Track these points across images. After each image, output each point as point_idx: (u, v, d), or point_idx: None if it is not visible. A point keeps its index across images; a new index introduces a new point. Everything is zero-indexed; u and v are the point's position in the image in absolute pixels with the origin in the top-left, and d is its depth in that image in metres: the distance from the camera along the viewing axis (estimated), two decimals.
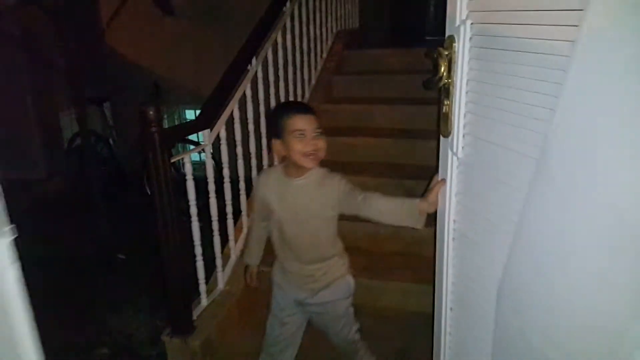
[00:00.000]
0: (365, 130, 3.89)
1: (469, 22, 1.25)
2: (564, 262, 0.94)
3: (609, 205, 0.82)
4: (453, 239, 1.47)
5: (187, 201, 2.51)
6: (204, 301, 2.66)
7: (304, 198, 1.81)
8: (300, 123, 1.71)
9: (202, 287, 2.66)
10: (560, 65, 0.91)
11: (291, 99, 3.73)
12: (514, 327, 1.13)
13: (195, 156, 4.51)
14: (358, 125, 3.98)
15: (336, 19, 4.78)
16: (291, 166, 1.81)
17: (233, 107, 2.90)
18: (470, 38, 1.26)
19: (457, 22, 1.27)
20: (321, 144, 1.74)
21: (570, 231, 0.92)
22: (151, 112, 2.13)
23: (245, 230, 3.10)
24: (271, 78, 3.46)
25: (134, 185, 5.28)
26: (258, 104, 3.24)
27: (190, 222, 2.53)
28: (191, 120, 3.92)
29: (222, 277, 2.82)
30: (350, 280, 1.96)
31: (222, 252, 2.82)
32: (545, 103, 0.98)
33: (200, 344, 2.45)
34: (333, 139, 2.54)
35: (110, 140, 6.08)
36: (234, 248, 2.98)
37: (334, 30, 4.74)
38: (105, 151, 6.03)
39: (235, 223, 3.00)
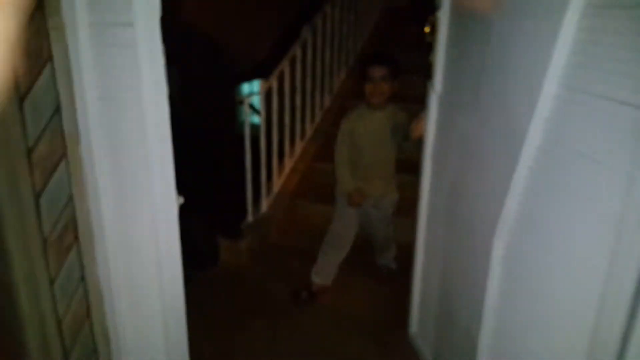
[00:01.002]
0: None
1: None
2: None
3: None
4: (431, 154, 2.03)
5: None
6: (250, 217, 3.31)
7: (379, 125, 2.45)
8: (372, 71, 2.36)
9: (249, 207, 3.29)
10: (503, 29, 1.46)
11: (335, 65, 4.29)
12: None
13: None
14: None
15: None
16: (370, 102, 2.44)
17: (285, 65, 3.49)
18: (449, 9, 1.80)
19: None
20: (384, 87, 2.37)
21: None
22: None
23: (287, 170, 3.72)
24: (319, 44, 4.01)
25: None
26: (305, 66, 3.81)
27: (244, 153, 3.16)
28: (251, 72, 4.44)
29: (265, 202, 3.45)
30: (396, 195, 2.67)
31: (267, 183, 3.45)
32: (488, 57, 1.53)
33: (245, 246, 3.12)
34: None
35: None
36: (277, 181, 3.60)
37: (380, 6, 5.23)
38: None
39: (280, 162, 3.62)
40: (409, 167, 2.49)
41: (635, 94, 1.03)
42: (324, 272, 2.69)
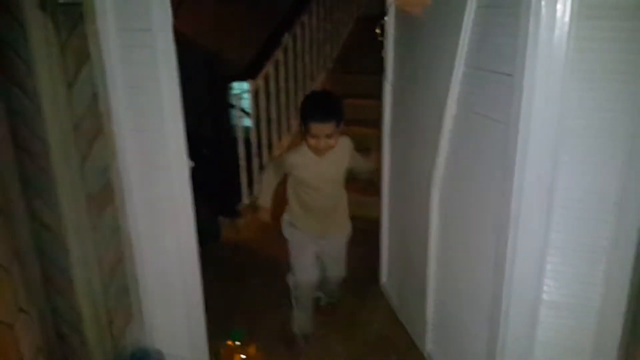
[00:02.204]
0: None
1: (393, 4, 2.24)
2: None
3: None
4: (389, 134, 2.48)
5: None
6: (245, 200, 3.73)
7: (326, 167, 2.17)
8: (315, 130, 2.03)
9: (244, 191, 3.72)
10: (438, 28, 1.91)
11: (314, 68, 4.74)
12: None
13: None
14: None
15: (357, 7, 5.69)
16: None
17: (269, 67, 3.93)
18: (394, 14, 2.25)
19: (388, 3, 2.26)
20: (332, 142, 2.07)
21: None
22: None
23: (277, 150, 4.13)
24: (299, 50, 4.45)
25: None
26: (287, 68, 4.25)
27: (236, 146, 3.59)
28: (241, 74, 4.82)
29: (258, 187, 3.87)
30: (349, 229, 2.44)
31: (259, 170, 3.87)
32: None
33: (242, 224, 3.54)
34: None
35: None
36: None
37: (355, 16, 5.67)
38: None
39: (269, 152, 4.04)
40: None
41: (510, 66, 1.45)
42: (302, 325, 2.45)
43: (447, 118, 1.82)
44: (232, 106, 4.03)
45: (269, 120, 4.00)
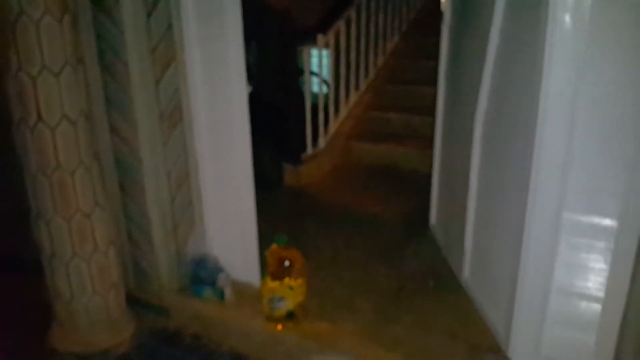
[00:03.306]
0: None
1: None
2: None
3: None
4: (444, 72, 2.53)
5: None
6: (309, 149, 3.92)
7: None
8: None
9: (309, 142, 3.91)
10: None
11: (388, 29, 4.78)
12: None
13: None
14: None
15: None
16: None
17: (340, 24, 4.04)
18: None
19: None
20: None
21: None
22: None
23: (342, 115, 4.27)
24: (372, 9, 4.51)
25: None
26: (359, 27, 4.33)
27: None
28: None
29: (322, 140, 4.04)
30: None
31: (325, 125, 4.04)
32: None
33: (304, 172, 3.74)
34: None
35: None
36: (333, 124, 4.18)
37: None
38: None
39: (336, 109, 4.19)
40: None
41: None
42: None
43: (490, 49, 1.87)
44: (300, 65, 4.23)
45: (336, 77, 4.14)
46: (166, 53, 2.12)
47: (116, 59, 2.02)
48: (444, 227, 2.69)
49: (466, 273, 2.27)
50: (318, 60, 4.06)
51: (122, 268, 2.25)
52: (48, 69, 1.75)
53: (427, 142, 3.12)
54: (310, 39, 4.00)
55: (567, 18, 1.43)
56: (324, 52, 4.10)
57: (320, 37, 3.83)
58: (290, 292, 2.06)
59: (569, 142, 1.53)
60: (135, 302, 2.34)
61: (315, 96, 3.99)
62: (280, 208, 3.36)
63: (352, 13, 4.20)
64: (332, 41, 3.97)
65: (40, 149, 1.83)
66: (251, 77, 5.59)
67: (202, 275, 2.30)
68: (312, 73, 4.33)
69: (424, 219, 2.97)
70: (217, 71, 2.18)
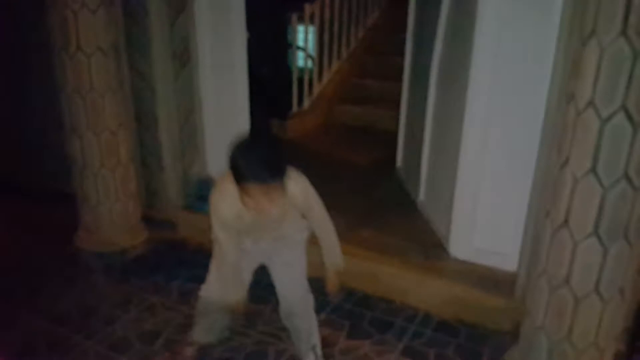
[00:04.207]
0: None
1: None
2: None
3: None
4: (410, 39, 2.98)
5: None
6: (295, 109, 4.36)
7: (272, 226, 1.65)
8: (254, 192, 1.38)
9: (295, 102, 4.35)
10: None
11: (369, 4, 5.19)
12: None
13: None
14: None
15: None
16: None
17: None
18: None
19: None
20: (277, 204, 1.43)
21: None
22: None
23: (325, 80, 4.71)
24: None
25: None
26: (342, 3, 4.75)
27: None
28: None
29: (307, 100, 4.48)
30: (305, 233, 1.78)
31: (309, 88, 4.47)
32: None
33: (289, 126, 4.18)
34: None
35: None
36: (316, 87, 4.61)
37: None
38: None
39: (320, 75, 4.63)
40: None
41: None
42: (205, 326, 1.86)
43: (441, 17, 2.32)
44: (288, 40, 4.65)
45: (320, 45, 4.57)
46: (179, 2, 2.52)
47: (137, 3, 2.42)
48: (406, 166, 3.16)
49: (421, 196, 2.74)
50: (304, 36, 4.48)
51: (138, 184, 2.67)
52: (87, 6, 2.14)
53: (399, 105, 3.57)
54: (298, 10, 4.42)
55: None
56: (310, 29, 4.53)
57: (307, 7, 4.24)
58: None
59: (491, 84, 1.98)
60: (146, 218, 2.76)
61: (302, 69, 4.45)
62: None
63: None
64: (317, 13, 4.38)
65: (77, 73, 2.23)
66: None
67: (204, 193, 2.73)
68: (298, 48, 4.77)
69: (391, 164, 3.44)
70: (221, 18, 2.59)
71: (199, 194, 2.75)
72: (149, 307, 2.17)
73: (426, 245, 2.39)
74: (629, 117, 1.23)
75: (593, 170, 1.30)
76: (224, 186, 1.49)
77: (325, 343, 1.91)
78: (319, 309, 1.86)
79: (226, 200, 1.49)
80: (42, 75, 2.78)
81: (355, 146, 4.06)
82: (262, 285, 1.83)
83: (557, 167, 1.41)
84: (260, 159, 1.39)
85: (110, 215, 2.48)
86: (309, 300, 1.77)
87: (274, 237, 1.70)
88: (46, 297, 2.25)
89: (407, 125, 3.19)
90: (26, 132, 3.24)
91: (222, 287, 1.67)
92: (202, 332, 1.85)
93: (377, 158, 3.75)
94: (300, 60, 4.72)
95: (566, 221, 1.39)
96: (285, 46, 5.04)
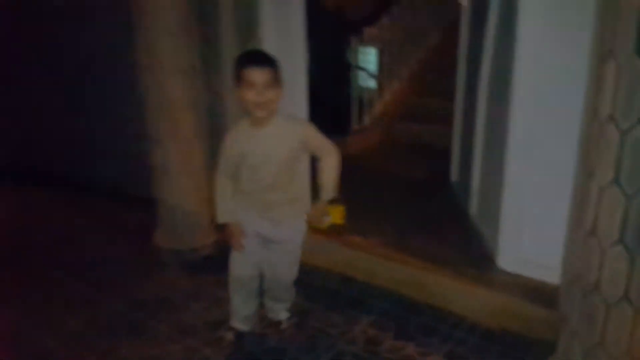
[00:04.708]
0: None
1: None
2: None
3: None
4: (463, 59, 3.10)
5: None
6: (354, 125, 4.55)
7: (270, 144, 1.78)
8: (252, 75, 1.66)
9: (354, 118, 4.54)
10: None
11: (429, 26, 5.33)
12: None
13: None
14: None
15: None
16: (253, 117, 1.76)
17: (385, 20, 4.66)
18: None
19: None
20: (271, 95, 1.69)
21: None
22: None
23: (386, 98, 4.88)
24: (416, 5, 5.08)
25: None
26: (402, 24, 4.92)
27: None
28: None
29: (367, 118, 4.67)
30: (302, 222, 1.96)
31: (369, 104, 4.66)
32: None
33: (350, 141, 4.37)
34: None
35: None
36: (377, 104, 4.79)
37: None
38: None
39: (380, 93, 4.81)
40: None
41: None
42: (240, 316, 2.10)
43: (488, 39, 2.44)
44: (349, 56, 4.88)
45: (380, 65, 4.76)
46: (249, 28, 2.79)
47: (211, 29, 2.71)
48: (459, 180, 3.25)
49: (473, 210, 2.83)
50: (366, 57, 4.70)
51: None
52: (169, 31, 2.45)
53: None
54: (359, 33, 4.64)
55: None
56: (371, 50, 4.74)
57: (367, 31, 4.46)
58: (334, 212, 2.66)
59: (533, 101, 2.08)
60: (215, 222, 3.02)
61: (363, 88, 4.66)
62: None
63: (396, 9, 4.80)
64: (376, 32, 4.58)
65: (159, 90, 2.54)
66: (308, 70, 6.26)
67: None
68: (359, 68, 4.98)
69: (447, 178, 3.54)
70: (284, 43, 2.84)
71: None
72: (216, 300, 2.40)
73: (475, 257, 2.48)
74: None
75: (616, 180, 1.38)
76: (233, 127, 1.87)
77: (372, 342, 2.08)
78: (367, 312, 2.10)
79: (231, 132, 1.86)
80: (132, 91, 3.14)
81: (413, 161, 4.19)
82: (313, 287, 2.00)
83: (584, 179, 1.49)
84: (252, 53, 1.89)
85: (185, 217, 2.76)
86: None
87: (270, 217, 1.90)
88: (127, 285, 2.55)
89: (459, 141, 3.29)
90: (114, 142, 3.65)
91: (217, 201, 1.93)
92: (239, 319, 2.10)
93: (433, 173, 3.86)
94: (362, 79, 4.93)
95: (594, 230, 1.47)
96: (345, 67, 5.29)
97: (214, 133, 2.93)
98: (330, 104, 4.51)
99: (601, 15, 1.63)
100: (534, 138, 2.11)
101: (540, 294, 2.12)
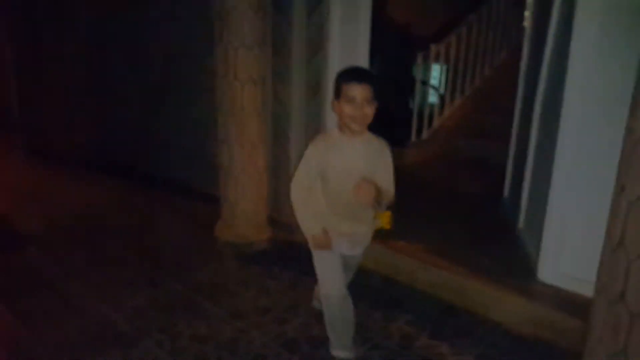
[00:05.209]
0: None
1: None
2: None
3: None
4: (522, 79, 3.14)
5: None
6: (414, 138, 4.65)
7: (359, 156, 1.83)
8: (353, 90, 1.73)
9: (413, 132, 4.64)
10: None
11: (497, 44, 5.33)
12: None
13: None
14: None
15: None
16: (345, 128, 1.82)
17: (452, 38, 4.73)
18: None
19: None
20: (368, 110, 1.76)
21: None
22: None
23: (446, 114, 4.94)
24: (483, 28, 5.13)
25: None
26: (470, 42, 4.97)
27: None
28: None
29: (426, 132, 4.75)
30: (369, 240, 2.06)
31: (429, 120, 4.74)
32: None
33: (408, 152, 4.47)
34: None
35: None
36: (437, 120, 4.86)
37: None
38: None
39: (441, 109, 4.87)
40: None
41: None
42: (341, 344, 2.06)
43: (545, 62, 2.50)
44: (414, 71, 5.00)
45: (445, 81, 4.83)
46: (317, 43, 3.00)
47: (284, 45, 2.95)
48: (511, 196, 3.27)
49: (521, 224, 2.86)
50: (431, 73, 4.80)
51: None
52: (245, 45, 2.71)
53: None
54: (424, 50, 4.75)
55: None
56: (436, 66, 4.84)
57: (432, 47, 4.56)
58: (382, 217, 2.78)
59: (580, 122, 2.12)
60: (272, 220, 3.24)
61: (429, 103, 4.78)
62: None
63: (464, 28, 4.86)
64: (442, 50, 4.67)
65: (232, 97, 2.80)
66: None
67: None
68: (424, 83, 5.08)
69: (500, 194, 3.56)
70: (349, 57, 3.02)
71: None
72: (265, 289, 2.60)
73: (517, 268, 2.52)
74: None
75: None
76: (320, 136, 1.92)
77: (407, 339, 2.19)
78: (405, 312, 2.27)
79: (317, 141, 1.87)
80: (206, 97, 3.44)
81: (468, 176, 4.22)
82: (358, 285, 2.14)
83: (615, 194, 1.54)
84: (353, 69, 1.87)
85: (244, 213, 3.00)
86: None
87: (353, 230, 1.93)
88: (187, 270, 2.81)
89: (514, 158, 3.31)
90: (187, 142, 3.99)
91: (301, 218, 1.91)
92: (339, 346, 2.06)
93: (486, 187, 3.88)
94: (426, 95, 5.02)
95: (621, 242, 1.51)
96: (410, 81, 5.41)
97: (277, 137, 3.16)
98: (392, 117, 4.65)
99: None
100: (580, 156, 2.15)
101: (576, 306, 2.13)
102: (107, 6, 4.39)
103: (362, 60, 3.02)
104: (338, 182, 1.84)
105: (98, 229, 3.47)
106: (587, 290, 2.15)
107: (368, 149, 1.85)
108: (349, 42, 3.01)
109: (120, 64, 4.49)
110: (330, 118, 3.14)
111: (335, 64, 3.04)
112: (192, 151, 3.89)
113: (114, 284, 2.68)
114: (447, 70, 4.89)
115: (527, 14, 3.21)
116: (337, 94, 1.79)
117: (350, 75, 1.79)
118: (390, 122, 4.56)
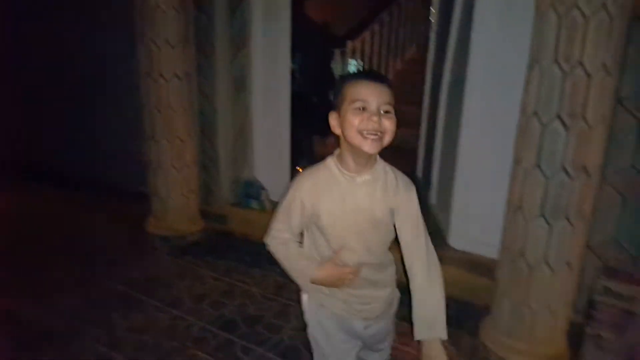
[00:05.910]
0: None
1: None
2: None
3: None
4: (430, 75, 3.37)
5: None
6: None
7: (366, 200, 1.22)
8: (364, 92, 1.13)
9: None
10: None
11: (407, 40, 5.61)
12: None
13: None
14: None
15: None
16: (348, 156, 1.21)
17: (366, 35, 4.93)
18: None
19: None
20: (388, 124, 1.14)
21: None
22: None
23: None
24: (394, 25, 5.37)
25: None
26: (382, 38, 5.19)
27: None
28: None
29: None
30: (397, 294, 1.41)
31: None
32: None
33: (330, 141, 4.61)
34: None
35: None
36: None
37: None
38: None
39: None
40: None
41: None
42: None
43: (449, 52, 2.71)
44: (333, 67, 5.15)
45: None
46: (240, 40, 3.02)
47: (207, 42, 2.94)
48: (423, 175, 3.54)
49: (432, 199, 3.08)
50: (349, 68, 4.95)
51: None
52: (169, 43, 2.67)
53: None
54: (341, 46, 4.89)
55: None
56: (353, 62, 5.00)
57: (349, 44, 4.72)
58: None
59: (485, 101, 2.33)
60: (203, 211, 3.22)
61: None
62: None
63: (377, 25, 5.07)
64: (358, 46, 4.85)
65: (157, 93, 2.75)
66: (295, 81, 6.62)
67: (250, 192, 3.19)
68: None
69: (415, 176, 3.79)
70: (271, 54, 3.08)
71: (246, 193, 3.21)
72: (200, 277, 2.61)
73: (430, 238, 2.70)
74: (563, 123, 1.57)
75: (538, 165, 1.63)
76: (309, 171, 1.27)
77: None
78: None
79: (305, 177, 1.26)
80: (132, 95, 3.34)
81: (387, 159, 4.41)
82: None
83: (513, 165, 1.74)
84: (365, 70, 1.62)
85: (175, 206, 2.96)
86: None
87: (361, 311, 1.31)
88: (121, 266, 2.75)
89: (424, 141, 3.55)
90: (112, 141, 3.84)
91: (294, 269, 1.29)
92: None
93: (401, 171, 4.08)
94: None
95: (520, 206, 1.71)
96: (330, 76, 5.54)
97: (204, 131, 3.15)
98: (315, 109, 4.75)
99: (533, 29, 1.89)
100: (481, 134, 2.36)
101: (483, 267, 2.34)
102: (26, 7, 4.09)
103: (284, 57, 3.09)
104: (337, 234, 1.24)
105: (22, 237, 3.26)
106: (492, 252, 2.38)
107: (381, 186, 1.24)
108: (271, 40, 3.06)
109: (42, 67, 4.21)
110: (257, 111, 3.19)
111: (258, 60, 3.09)
112: (121, 150, 3.76)
113: (45, 287, 2.55)
114: (363, 66, 5.08)
115: (433, 9, 3.40)
116: (339, 102, 1.18)
117: (359, 74, 1.29)
118: (313, 114, 4.68)
